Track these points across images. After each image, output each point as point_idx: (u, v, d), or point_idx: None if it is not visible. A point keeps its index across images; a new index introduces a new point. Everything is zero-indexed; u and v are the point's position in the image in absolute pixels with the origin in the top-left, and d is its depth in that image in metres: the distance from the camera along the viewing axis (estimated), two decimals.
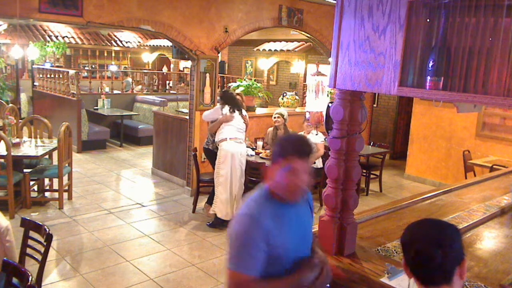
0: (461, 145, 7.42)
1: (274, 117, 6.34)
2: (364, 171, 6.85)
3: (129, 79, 12.64)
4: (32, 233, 2.90)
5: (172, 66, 16.20)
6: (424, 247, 1.37)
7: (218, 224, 5.24)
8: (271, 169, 1.78)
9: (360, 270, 2.19)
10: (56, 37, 13.86)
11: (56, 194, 5.76)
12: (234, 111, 5.33)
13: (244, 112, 5.47)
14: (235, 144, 5.22)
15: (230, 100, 5.40)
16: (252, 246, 1.68)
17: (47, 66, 11.97)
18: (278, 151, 1.78)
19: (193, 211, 5.77)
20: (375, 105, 9.74)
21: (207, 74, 6.34)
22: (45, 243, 2.75)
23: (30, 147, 5.72)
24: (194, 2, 6.08)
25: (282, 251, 1.76)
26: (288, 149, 1.75)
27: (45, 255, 2.77)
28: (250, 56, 14.04)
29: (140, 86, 12.75)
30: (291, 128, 6.60)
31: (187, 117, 6.58)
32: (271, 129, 6.55)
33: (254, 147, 6.07)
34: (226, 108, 5.31)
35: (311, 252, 1.92)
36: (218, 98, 5.83)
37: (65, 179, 5.82)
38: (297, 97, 8.04)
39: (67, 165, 5.87)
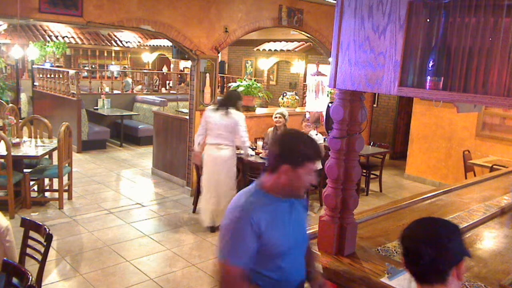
0: (461, 145, 7.42)
1: (275, 117, 6.32)
2: (364, 171, 6.85)
3: (129, 80, 12.64)
4: (32, 233, 2.89)
5: (172, 66, 16.21)
6: (412, 245, 1.37)
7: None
8: (292, 170, 1.75)
9: (360, 270, 2.19)
10: (56, 37, 13.87)
11: (56, 194, 5.76)
12: (218, 110, 4.90)
13: (234, 113, 4.90)
14: (214, 149, 4.90)
15: (225, 98, 5.08)
16: (242, 237, 1.71)
17: (47, 66, 11.97)
18: (305, 154, 1.76)
19: (193, 211, 5.76)
20: (375, 105, 9.74)
21: (207, 74, 6.34)
22: (45, 243, 2.75)
23: (30, 147, 5.72)
24: (194, 2, 6.08)
25: (281, 248, 1.77)
26: (313, 153, 1.78)
27: (45, 255, 2.77)
28: (250, 56, 14.04)
29: (140, 86, 12.75)
30: None
31: (187, 117, 6.58)
32: (271, 129, 6.54)
33: (254, 147, 6.06)
34: (212, 108, 4.98)
35: (311, 277, 1.96)
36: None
37: (65, 179, 5.82)
38: (297, 97, 8.04)
39: (67, 165, 5.87)
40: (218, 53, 6.46)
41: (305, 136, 1.89)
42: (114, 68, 15.00)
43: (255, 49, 13.40)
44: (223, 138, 4.90)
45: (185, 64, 15.44)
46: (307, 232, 2.01)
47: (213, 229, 5.14)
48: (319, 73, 5.25)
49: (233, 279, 1.71)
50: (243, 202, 1.77)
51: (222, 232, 1.77)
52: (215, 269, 1.79)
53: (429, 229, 1.41)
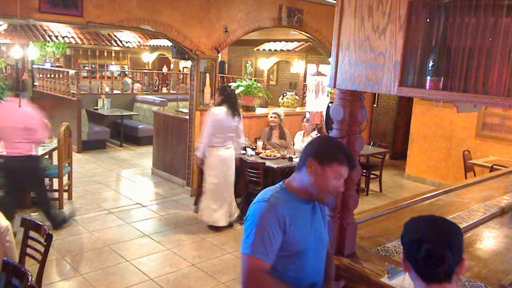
0: (461, 145, 7.42)
1: (271, 117, 6.34)
2: (364, 171, 6.85)
3: (127, 80, 12.61)
4: (32, 233, 2.90)
5: (172, 66, 16.20)
6: (437, 248, 1.35)
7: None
8: (319, 168, 1.76)
9: (360, 270, 2.19)
10: (56, 37, 13.86)
11: (56, 194, 5.75)
12: (234, 116, 4.94)
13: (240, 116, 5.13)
14: (224, 151, 5.04)
15: (231, 98, 4.99)
16: (269, 231, 1.69)
17: (47, 66, 11.97)
18: (335, 155, 1.77)
19: (195, 211, 5.75)
20: (375, 105, 9.74)
21: (207, 74, 6.34)
22: (45, 243, 2.75)
23: None
24: (194, 2, 6.08)
25: (301, 246, 1.77)
26: (343, 157, 1.78)
27: (45, 255, 2.77)
28: (250, 56, 14.03)
29: (139, 85, 12.73)
30: (291, 129, 6.60)
31: (187, 117, 6.58)
32: (267, 129, 6.56)
33: (254, 147, 6.06)
34: (222, 110, 4.88)
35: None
36: (216, 95, 5.18)
37: (65, 179, 5.82)
38: (297, 97, 8.04)
39: (67, 165, 5.87)
40: (218, 53, 6.46)
41: (342, 143, 1.92)
42: (114, 68, 15.00)
43: (255, 49, 13.40)
44: (231, 139, 5.10)
45: (185, 64, 15.43)
46: (328, 240, 1.99)
47: (230, 225, 5.26)
48: (319, 73, 5.22)
49: (259, 273, 1.69)
50: (270, 196, 1.77)
51: (247, 225, 1.75)
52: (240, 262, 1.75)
53: (447, 230, 1.40)
